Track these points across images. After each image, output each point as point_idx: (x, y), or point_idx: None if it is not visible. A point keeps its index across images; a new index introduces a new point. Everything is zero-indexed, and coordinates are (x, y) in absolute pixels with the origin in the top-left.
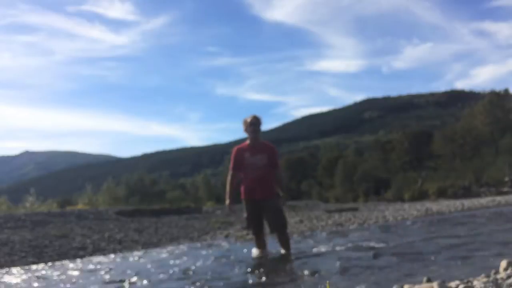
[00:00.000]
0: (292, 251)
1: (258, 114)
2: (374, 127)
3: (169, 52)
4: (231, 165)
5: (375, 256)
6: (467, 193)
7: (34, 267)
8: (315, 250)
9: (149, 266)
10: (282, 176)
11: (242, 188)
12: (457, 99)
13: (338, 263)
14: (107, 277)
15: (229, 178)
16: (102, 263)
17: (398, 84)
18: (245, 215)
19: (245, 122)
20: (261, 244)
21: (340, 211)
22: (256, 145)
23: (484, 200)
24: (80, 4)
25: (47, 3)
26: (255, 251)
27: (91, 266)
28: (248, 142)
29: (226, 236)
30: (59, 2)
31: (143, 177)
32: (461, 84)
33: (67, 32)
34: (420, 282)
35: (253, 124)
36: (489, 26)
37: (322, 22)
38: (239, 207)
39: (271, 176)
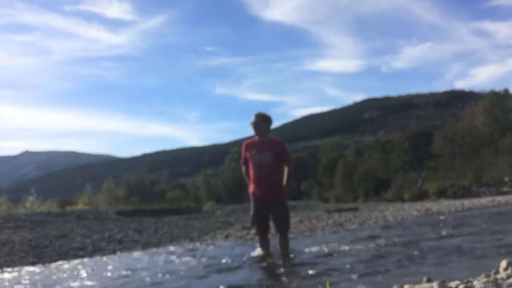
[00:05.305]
0: (291, 251)
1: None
2: (374, 127)
3: (168, 51)
4: (241, 160)
5: (375, 256)
6: (467, 193)
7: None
8: (314, 250)
9: None
10: (290, 172)
11: (250, 186)
12: (457, 99)
13: (337, 263)
14: None
15: (244, 172)
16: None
17: (398, 84)
18: (251, 212)
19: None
20: (264, 244)
21: (340, 211)
22: (263, 142)
23: (484, 200)
24: (77, 3)
25: (45, 3)
26: (258, 251)
27: None
28: (257, 138)
29: (226, 236)
30: (56, 2)
31: (143, 177)
32: (461, 84)
33: (64, 32)
34: (420, 282)
35: (253, 123)
36: (488, 25)
37: (321, 22)
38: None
39: (278, 175)
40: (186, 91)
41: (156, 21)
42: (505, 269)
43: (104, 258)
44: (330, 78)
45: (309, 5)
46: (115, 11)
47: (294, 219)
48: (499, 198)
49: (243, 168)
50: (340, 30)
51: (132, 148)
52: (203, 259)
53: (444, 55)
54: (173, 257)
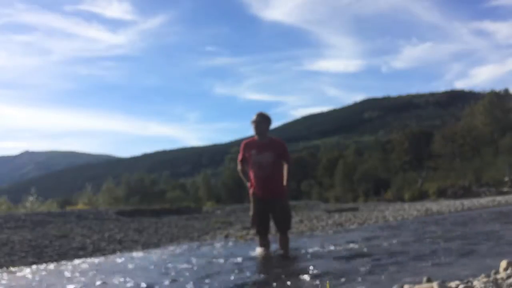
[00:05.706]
0: (291, 251)
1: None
2: (374, 127)
3: (168, 51)
4: (239, 157)
5: (375, 256)
6: (467, 193)
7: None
8: (314, 250)
9: None
10: (290, 171)
11: (250, 185)
12: (457, 99)
13: (338, 263)
14: None
15: (239, 169)
16: None
17: (397, 84)
18: (251, 212)
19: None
20: (265, 244)
21: (340, 211)
22: (263, 142)
23: (484, 200)
24: (77, 3)
25: (44, 3)
26: (258, 250)
27: None
28: (256, 137)
29: (226, 236)
30: (56, 2)
31: (143, 177)
32: (461, 84)
33: (64, 32)
34: (420, 282)
35: (255, 122)
36: (488, 25)
37: (321, 22)
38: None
39: (278, 175)
40: (186, 91)
41: (156, 21)
42: (505, 269)
43: (112, 257)
44: (330, 78)
45: (309, 5)
46: (115, 11)
47: (294, 219)
48: (499, 198)
49: (240, 165)
50: (340, 30)
51: (132, 148)
52: (203, 259)
53: (444, 55)
54: (172, 257)
